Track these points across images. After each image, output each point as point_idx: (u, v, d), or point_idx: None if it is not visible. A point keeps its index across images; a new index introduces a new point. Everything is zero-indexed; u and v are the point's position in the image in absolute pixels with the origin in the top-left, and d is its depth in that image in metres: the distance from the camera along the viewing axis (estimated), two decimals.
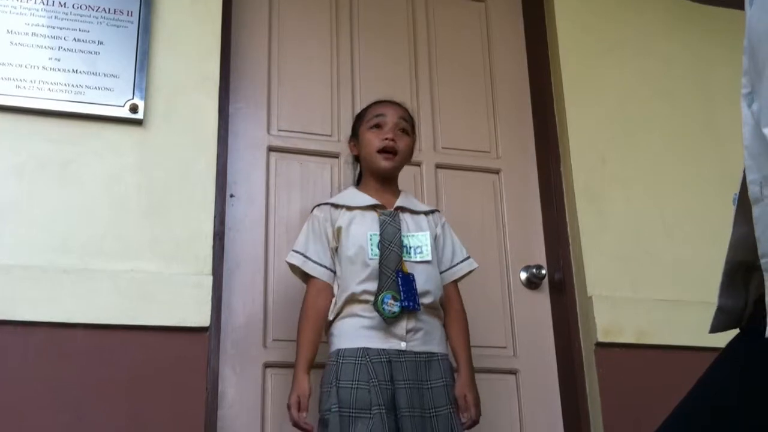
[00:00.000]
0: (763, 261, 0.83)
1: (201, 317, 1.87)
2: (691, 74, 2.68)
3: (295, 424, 1.76)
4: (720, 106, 2.64)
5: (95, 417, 1.78)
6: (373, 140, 1.95)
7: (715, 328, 1.00)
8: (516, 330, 2.34)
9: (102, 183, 1.96)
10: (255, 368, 2.06)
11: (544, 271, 2.38)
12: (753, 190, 0.85)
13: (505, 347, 2.32)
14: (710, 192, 2.52)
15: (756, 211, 0.85)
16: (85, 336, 1.81)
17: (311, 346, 1.83)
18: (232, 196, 2.21)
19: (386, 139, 1.93)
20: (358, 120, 2.05)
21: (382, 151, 1.93)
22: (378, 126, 1.96)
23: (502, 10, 2.73)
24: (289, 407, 1.77)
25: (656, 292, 2.33)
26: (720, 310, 0.99)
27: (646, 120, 2.57)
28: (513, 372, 2.29)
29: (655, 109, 2.60)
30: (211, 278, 1.93)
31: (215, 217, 2.02)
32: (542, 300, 2.40)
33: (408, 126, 1.99)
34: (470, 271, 2.00)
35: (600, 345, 2.21)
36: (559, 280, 2.37)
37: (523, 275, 2.39)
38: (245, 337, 2.08)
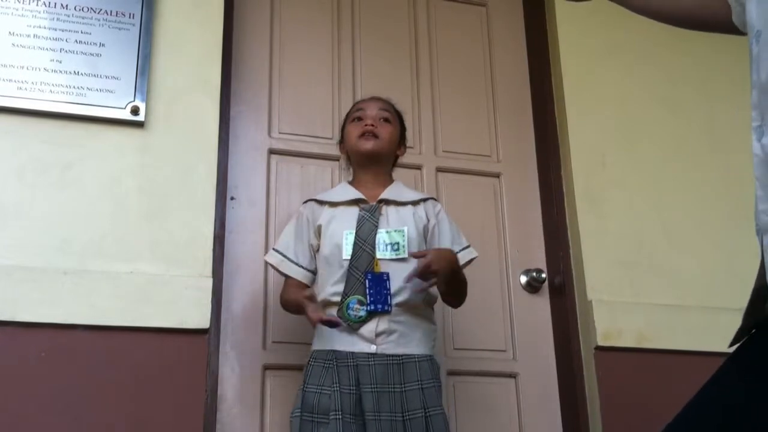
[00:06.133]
0: None
1: (201, 319, 1.88)
2: (691, 78, 2.68)
3: (324, 322, 1.70)
4: (721, 111, 2.64)
5: (95, 418, 1.78)
6: (354, 130, 1.95)
7: (734, 342, 1.02)
8: (516, 333, 2.33)
9: (103, 185, 1.96)
10: (254, 370, 2.06)
11: (544, 275, 2.38)
12: (763, 219, 0.86)
13: (504, 350, 2.32)
14: (710, 196, 2.52)
15: (766, 240, 0.86)
16: (85, 337, 1.81)
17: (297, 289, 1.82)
18: (232, 198, 2.21)
19: (366, 125, 1.93)
20: (344, 121, 2.05)
21: (362, 135, 1.93)
22: (359, 119, 1.96)
23: (503, 14, 2.73)
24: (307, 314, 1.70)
25: (656, 297, 2.33)
26: (742, 330, 1.00)
27: (647, 124, 2.57)
28: (512, 375, 2.29)
29: (656, 113, 2.60)
30: (211, 280, 1.94)
31: (215, 219, 2.03)
32: (542, 303, 2.39)
33: (389, 116, 1.98)
34: (470, 261, 1.91)
35: (599, 349, 2.21)
36: (559, 283, 2.37)
37: (523, 279, 2.39)
38: (245, 338, 2.09)
